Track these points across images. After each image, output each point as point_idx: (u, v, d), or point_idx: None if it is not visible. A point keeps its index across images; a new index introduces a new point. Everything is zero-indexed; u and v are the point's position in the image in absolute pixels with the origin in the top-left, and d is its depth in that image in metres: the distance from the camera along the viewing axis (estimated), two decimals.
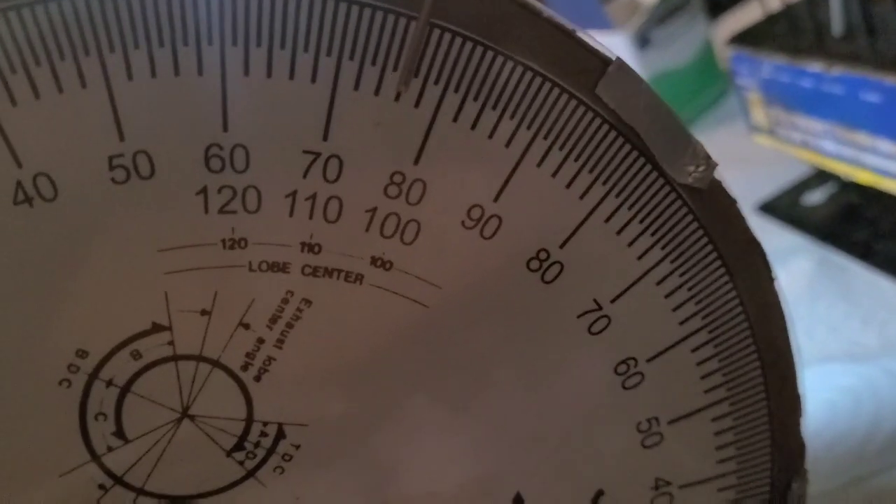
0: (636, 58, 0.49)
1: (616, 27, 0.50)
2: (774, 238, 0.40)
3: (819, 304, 0.35)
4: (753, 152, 0.43)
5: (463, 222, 0.15)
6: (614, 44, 0.49)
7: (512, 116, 0.15)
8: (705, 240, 0.16)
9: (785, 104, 0.37)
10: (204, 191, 0.14)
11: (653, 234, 0.16)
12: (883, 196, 0.35)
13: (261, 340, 0.15)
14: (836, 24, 0.34)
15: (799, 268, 0.38)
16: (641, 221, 0.16)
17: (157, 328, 0.15)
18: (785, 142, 0.39)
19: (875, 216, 0.38)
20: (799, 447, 0.18)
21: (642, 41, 0.50)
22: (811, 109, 0.35)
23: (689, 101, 0.53)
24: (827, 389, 0.30)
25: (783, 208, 0.41)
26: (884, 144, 0.32)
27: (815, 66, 0.34)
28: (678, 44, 0.51)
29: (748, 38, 0.38)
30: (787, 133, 0.38)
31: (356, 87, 0.14)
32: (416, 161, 0.14)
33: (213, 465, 0.15)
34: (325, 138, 0.14)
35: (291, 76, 0.14)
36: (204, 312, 0.15)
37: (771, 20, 0.38)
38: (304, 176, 0.14)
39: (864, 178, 0.35)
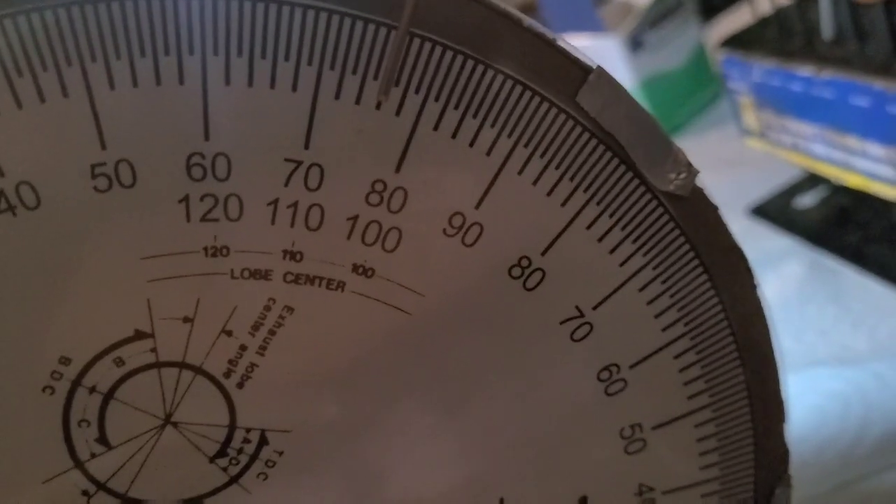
0: (629, 60, 0.50)
1: (609, 30, 0.50)
2: (766, 241, 0.40)
3: (809, 307, 0.35)
4: (745, 155, 0.43)
5: (444, 230, 0.15)
6: (607, 46, 0.49)
7: (493, 125, 0.15)
8: (687, 247, 0.16)
9: (775, 107, 0.37)
10: (186, 199, 0.14)
11: (634, 242, 0.16)
12: (874, 199, 0.36)
13: (243, 347, 0.15)
14: (826, 28, 0.34)
15: (790, 271, 0.38)
16: (623, 229, 0.16)
17: (139, 335, 0.15)
18: (776, 145, 0.39)
19: (866, 219, 0.38)
20: (782, 453, 0.19)
21: (635, 44, 0.50)
22: (801, 113, 0.35)
23: (682, 103, 0.53)
24: (816, 393, 0.30)
25: (775, 211, 0.41)
26: (873, 148, 0.32)
27: (805, 70, 0.34)
28: (671, 46, 0.51)
29: (739, 41, 0.38)
30: (777, 136, 0.38)
31: (337, 96, 0.14)
32: (398, 169, 0.15)
33: (196, 471, 0.15)
34: (306, 147, 0.14)
35: (272, 85, 0.14)
36: (186, 320, 0.15)
37: (762, 24, 0.38)
38: (286, 184, 0.14)
39: (854, 181, 0.35)
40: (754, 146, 0.41)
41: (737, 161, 0.45)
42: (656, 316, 0.17)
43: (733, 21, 0.48)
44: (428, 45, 0.14)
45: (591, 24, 0.50)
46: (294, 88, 0.14)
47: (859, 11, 0.32)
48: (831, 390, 0.30)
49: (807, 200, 0.41)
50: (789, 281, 0.37)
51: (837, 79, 0.32)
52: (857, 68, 0.32)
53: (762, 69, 0.36)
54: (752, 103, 0.39)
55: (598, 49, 0.49)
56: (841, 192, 0.39)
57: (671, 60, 0.51)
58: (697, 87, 0.53)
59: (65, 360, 0.14)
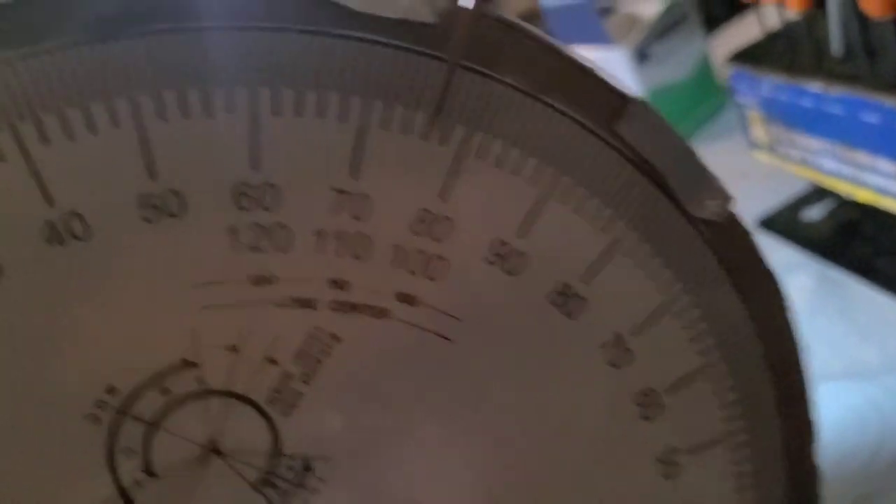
0: (636, 72, 0.50)
1: (615, 42, 0.50)
2: (773, 254, 0.40)
3: (818, 320, 0.35)
4: (752, 167, 0.43)
5: (486, 258, 0.15)
6: (614, 58, 0.50)
7: (534, 154, 0.15)
8: (722, 271, 0.17)
9: (785, 122, 0.37)
10: (233, 228, 0.14)
11: (671, 267, 0.16)
12: (882, 213, 0.36)
13: (288, 375, 0.15)
14: (836, 45, 0.34)
15: (798, 284, 0.38)
16: (660, 254, 0.16)
17: (185, 364, 0.15)
18: (784, 159, 0.39)
19: (874, 232, 0.38)
20: (813, 473, 0.19)
21: (641, 56, 0.50)
22: (811, 128, 0.36)
23: (687, 114, 0.53)
24: (834, 407, 0.30)
25: (782, 224, 0.41)
26: (883, 164, 0.33)
27: (815, 86, 0.34)
28: (676, 58, 0.52)
29: (748, 56, 0.39)
30: (786, 150, 0.39)
31: (385, 126, 0.14)
32: (443, 198, 0.15)
33: (240, 500, 0.15)
34: (353, 176, 0.14)
35: (321, 115, 0.14)
36: (232, 348, 0.15)
37: (770, 38, 0.38)
38: (333, 214, 0.14)
39: (863, 196, 0.35)
40: (762, 159, 0.41)
41: (743, 173, 0.45)
42: (692, 339, 0.17)
43: (736, 32, 0.49)
44: (474, 77, 0.14)
45: (597, 37, 0.50)
46: (342, 119, 0.14)
47: (869, 27, 0.33)
48: (846, 404, 0.30)
49: (814, 213, 0.41)
50: (798, 294, 0.37)
51: (847, 95, 0.33)
52: (866, 85, 0.32)
53: (771, 84, 0.37)
54: (760, 118, 0.39)
55: (605, 61, 0.49)
56: (848, 204, 0.39)
57: (677, 72, 0.52)
58: (702, 98, 0.54)
59: (111, 390, 0.14)
